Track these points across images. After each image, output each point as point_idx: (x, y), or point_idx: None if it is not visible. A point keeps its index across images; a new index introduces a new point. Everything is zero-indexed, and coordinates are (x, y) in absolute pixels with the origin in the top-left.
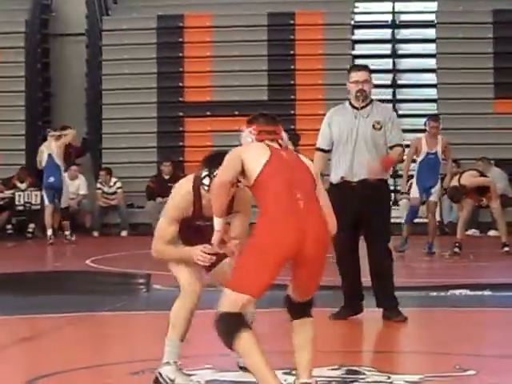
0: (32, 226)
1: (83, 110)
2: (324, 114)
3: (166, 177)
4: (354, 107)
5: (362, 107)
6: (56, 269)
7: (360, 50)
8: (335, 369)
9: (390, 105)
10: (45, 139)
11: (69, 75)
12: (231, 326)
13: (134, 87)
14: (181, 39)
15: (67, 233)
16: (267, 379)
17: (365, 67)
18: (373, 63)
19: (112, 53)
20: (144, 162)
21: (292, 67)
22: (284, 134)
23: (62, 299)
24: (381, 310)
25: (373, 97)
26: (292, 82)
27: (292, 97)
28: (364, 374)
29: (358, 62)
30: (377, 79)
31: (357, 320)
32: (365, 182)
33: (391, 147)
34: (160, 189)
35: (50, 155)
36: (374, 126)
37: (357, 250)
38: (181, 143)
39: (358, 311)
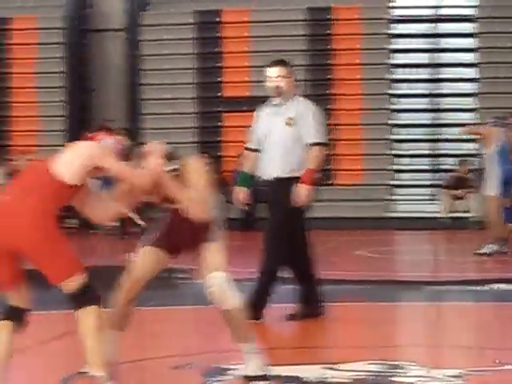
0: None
1: (122, 106)
2: (361, 109)
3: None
4: (273, 104)
5: (279, 104)
6: (99, 263)
7: (398, 44)
8: (375, 363)
9: (309, 101)
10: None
11: (108, 70)
12: None
13: (172, 82)
14: (219, 34)
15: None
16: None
17: (280, 62)
18: (411, 57)
19: (151, 48)
20: None
21: (330, 62)
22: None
23: (105, 294)
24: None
25: (404, 91)
26: (330, 77)
27: (330, 91)
28: (404, 368)
29: (397, 56)
30: (416, 73)
31: (394, 315)
32: (276, 180)
33: (311, 146)
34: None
35: None
36: (286, 122)
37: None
38: (219, 138)
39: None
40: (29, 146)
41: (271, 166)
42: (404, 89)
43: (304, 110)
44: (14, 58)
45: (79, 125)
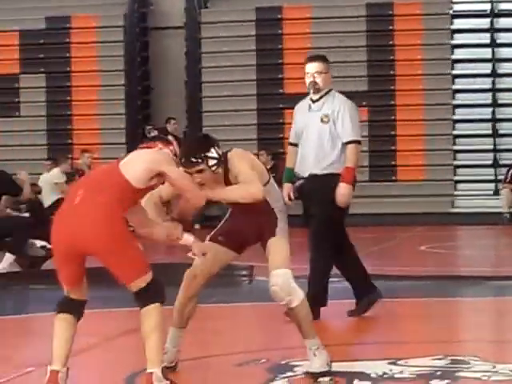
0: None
1: (183, 103)
2: (424, 105)
3: (267, 166)
4: (311, 100)
5: (316, 100)
6: (159, 261)
7: (459, 39)
8: (440, 358)
9: (345, 98)
10: (144, 134)
11: (168, 68)
12: None
13: (233, 79)
14: (280, 31)
15: None
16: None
17: (319, 58)
18: (472, 52)
19: (211, 45)
20: None
21: (392, 57)
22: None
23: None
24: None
25: (466, 86)
26: (392, 73)
27: (392, 87)
28: (469, 363)
29: (458, 51)
30: (476, 69)
31: (458, 310)
32: (311, 176)
33: (346, 144)
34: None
35: None
36: (322, 119)
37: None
38: (281, 135)
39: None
40: (89, 144)
41: (306, 163)
42: (465, 84)
43: (340, 107)
44: (74, 57)
45: (139, 123)
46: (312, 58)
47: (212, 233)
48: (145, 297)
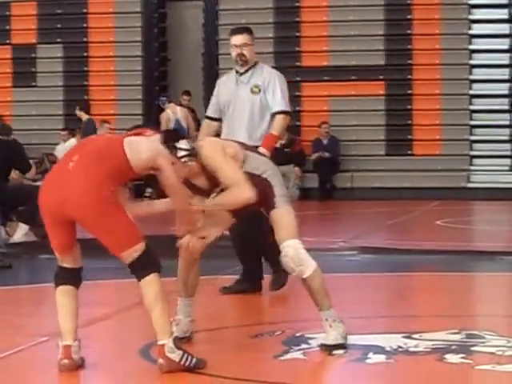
0: (149, 190)
1: (200, 75)
2: (441, 79)
3: (282, 141)
4: (237, 72)
5: (243, 72)
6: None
7: (477, 14)
8: (455, 333)
9: (273, 69)
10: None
11: (186, 40)
12: None
13: None
14: (297, 4)
15: None
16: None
17: (245, 30)
18: (490, 28)
19: (229, 17)
20: None
21: (409, 32)
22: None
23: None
24: None
25: (483, 62)
26: (409, 47)
27: (409, 61)
28: (484, 337)
29: (476, 26)
30: (494, 44)
31: (473, 285)
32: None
33: (273, 114)
34: (275, 154)
35: (177, 120)
36: (252, 89)
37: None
38: (298, 108)
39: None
40: (106, 115)
41: (236, 136)
42: (482, 59)
43: (270, 78)
44: (91, 28)
45: (156, 94)
46: (238, 31)
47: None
48: (139, 267)
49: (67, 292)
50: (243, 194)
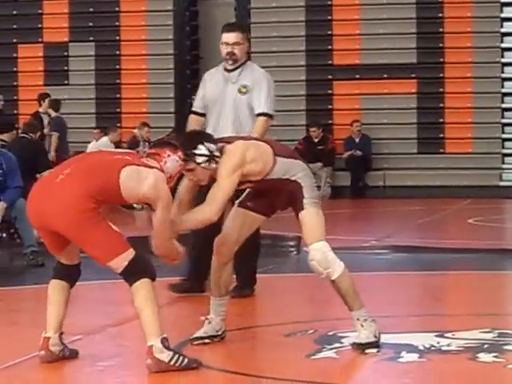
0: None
1: None
2: (473, 77)
3: (315, 140)
4: (225, 70)
5: (232, 70)
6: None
7: (509, 12)
8: (488, 332)
9: (263, 70)
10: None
11: (217, 38)
12: None
13: (282, 50)
14: (329, 2)
15: None
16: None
17: (237, 28)
18: None
19: (260, 16)
20: (292, 125)
21: (441, 30)
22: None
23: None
24: None
25: (511, 60)
26: (441, 45)
27: (441, 60)
28: None
29: (508, 24)
30: None
31: (505, 284)
32: None
33: (257, 115)
34: (308, 152)
35: None
36: (239, 89)
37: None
38: (330, 106)
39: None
40: (138, 113)
41: (223, 135)
42: None
43: (259, 78)
44: (123, 26)
45: (188, 92)
46: (230, 28)
47: (240, 199)
48: (129, 275)
49: (58, 286)
50: (205, 214)
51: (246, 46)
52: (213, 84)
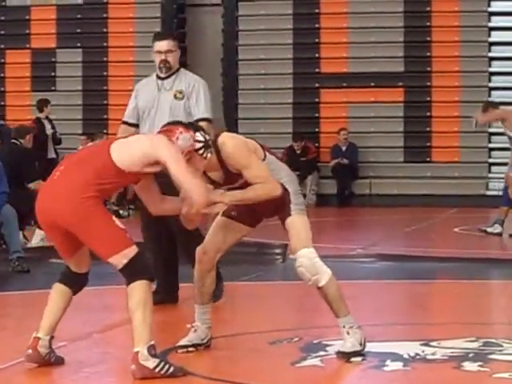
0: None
1: (218, 81)
2: (460, 86)
3: (298, 151)
4: (158, 78)
5: (165, 78)
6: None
7: (496, 22)
8: (473, 341)
9: (197, 75)
10: None
11: (205, 45)
12: None
13: (269, 58)
14: (317, 10)
15: None
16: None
17: (169, 36)
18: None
19: (248, 23)
20: (279, 132)
21: (428, 39)
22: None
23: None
24: None
25: (502, 69)
26: (428, 54)
27: (428, 68)
28: (501, 346)
29: (495, 34)
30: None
31: (490, 293)
32: None
33: (198, 121)
34: (291, 161)
35: None
36: (175, 95)
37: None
38: (316, 114)
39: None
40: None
41: None
42: (501, 66)
43: (194, 84)
44: (111, 32)
45: None
46: (162, 37)
47: (224, 208)
48: (128, 274)
49: (60, 291)
50: (274, 190)
51: (178, 53)
52: (145, 93)
